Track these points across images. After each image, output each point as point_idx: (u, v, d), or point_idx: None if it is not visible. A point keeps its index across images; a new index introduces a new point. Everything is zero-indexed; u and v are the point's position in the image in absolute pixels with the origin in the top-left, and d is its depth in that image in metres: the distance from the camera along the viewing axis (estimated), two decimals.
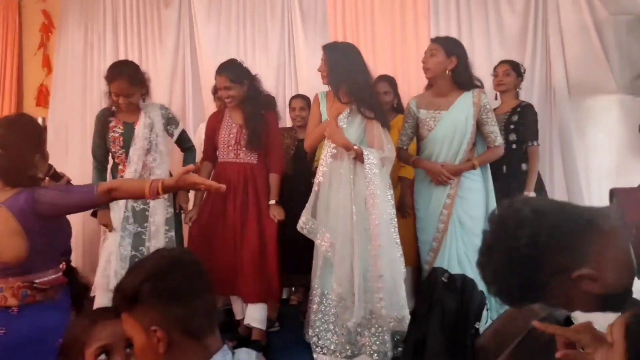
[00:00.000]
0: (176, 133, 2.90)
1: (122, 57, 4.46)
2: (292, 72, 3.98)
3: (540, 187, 3.09)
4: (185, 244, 2.90)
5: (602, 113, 3.34)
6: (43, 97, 5.07)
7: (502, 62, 3.18)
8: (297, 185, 2.99)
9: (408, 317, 2.46)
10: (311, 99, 3.33)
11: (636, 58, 3.24)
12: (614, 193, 1.04)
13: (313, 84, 3.80)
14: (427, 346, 2.23)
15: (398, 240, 2.55)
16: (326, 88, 2.69)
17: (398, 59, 3.78)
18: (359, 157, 2.52)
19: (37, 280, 1.66)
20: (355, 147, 2.51)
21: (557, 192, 3.41)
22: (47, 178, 2.12)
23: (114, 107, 2.79)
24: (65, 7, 4.78)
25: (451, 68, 2.63)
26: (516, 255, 0.94)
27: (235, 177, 2.80)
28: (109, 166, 2.89)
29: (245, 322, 2.81)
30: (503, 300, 1.05)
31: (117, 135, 2.75)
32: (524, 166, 3.00)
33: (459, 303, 2.25)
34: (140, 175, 2.72)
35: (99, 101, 4.57)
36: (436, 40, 2.70)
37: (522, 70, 3.21)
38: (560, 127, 3.34)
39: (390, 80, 3.20)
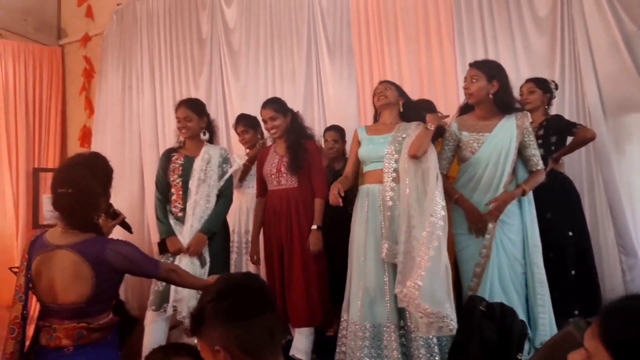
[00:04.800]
0: (229, 171, 3.05)
1: (158, 98, 4.68)
2: (320, 103, 4.05)
3: (573, 200, 3.04)
4: None
5: (638, 129, 3.24)
6: (86, 138, 5.35)
7: (526, 81, 3.17)
8: (333, 215, 2.98)
9: (451, 319, 2.25)
10: (344, 128, 3.46)
11: None
12: None
13: (341, 115, 3.86)
14: None
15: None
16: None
17: (425, 83, 3.78)
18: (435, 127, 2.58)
19: (93, 324, 1.69)
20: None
21: (599, 211, 3.30)
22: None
23: (179, 143, 3.08)
24: (105, 53, 5.06)
25: (493, 92, 2.62)
26: None
27: (278, 203, 2.99)
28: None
29: (291, 352, 2.85)
30: None
31: (177, 165, 3.00)
32: None
33: (499, 333, 2.20)
34: (197, 205, 2.88)
35: (138, 138, 4.79)
36: (476, 65, 2.69)
37: (553, 86, 3.18)
38: (597, 145, 3.25)
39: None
